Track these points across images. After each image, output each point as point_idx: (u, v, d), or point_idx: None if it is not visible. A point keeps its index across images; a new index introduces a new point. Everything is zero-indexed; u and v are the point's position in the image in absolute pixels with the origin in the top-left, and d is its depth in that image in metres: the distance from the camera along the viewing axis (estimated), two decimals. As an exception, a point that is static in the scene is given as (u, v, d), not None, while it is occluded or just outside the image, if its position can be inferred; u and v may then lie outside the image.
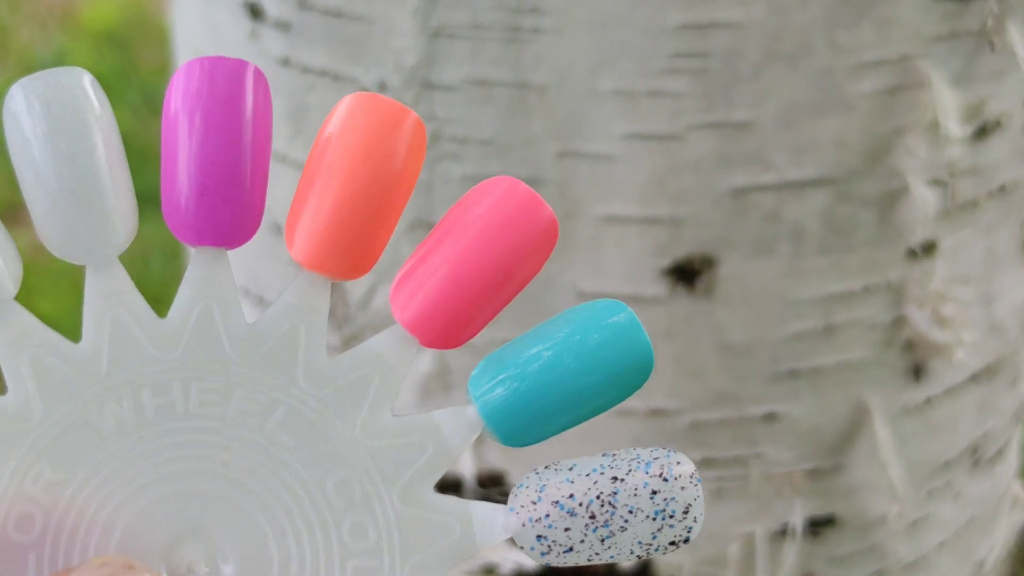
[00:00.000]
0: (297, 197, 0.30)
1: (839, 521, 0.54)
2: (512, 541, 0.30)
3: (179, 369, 0.30)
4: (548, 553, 0.30)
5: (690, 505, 0.30)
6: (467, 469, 0.52)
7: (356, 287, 0.51)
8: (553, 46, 0.46)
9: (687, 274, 0.49)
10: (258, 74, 0.30)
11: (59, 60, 1.85)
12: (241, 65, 0.30)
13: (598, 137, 0.48)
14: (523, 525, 0.30)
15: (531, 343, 0.30)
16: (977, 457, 0.58)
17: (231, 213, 0.30)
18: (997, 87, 0.50)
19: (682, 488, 0.29)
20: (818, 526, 0.54)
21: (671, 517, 0.29)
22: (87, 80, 0.29)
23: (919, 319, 0.52)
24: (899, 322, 0.52)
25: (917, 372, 0.53)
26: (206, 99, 0.29)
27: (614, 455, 0.30)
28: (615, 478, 0.29)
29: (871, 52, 0.48)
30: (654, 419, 0.51)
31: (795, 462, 0.52)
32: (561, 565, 0.30)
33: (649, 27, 0.46)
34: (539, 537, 0.30)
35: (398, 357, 0.31)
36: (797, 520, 0.53)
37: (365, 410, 0.30)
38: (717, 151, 0.48)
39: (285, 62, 0.50)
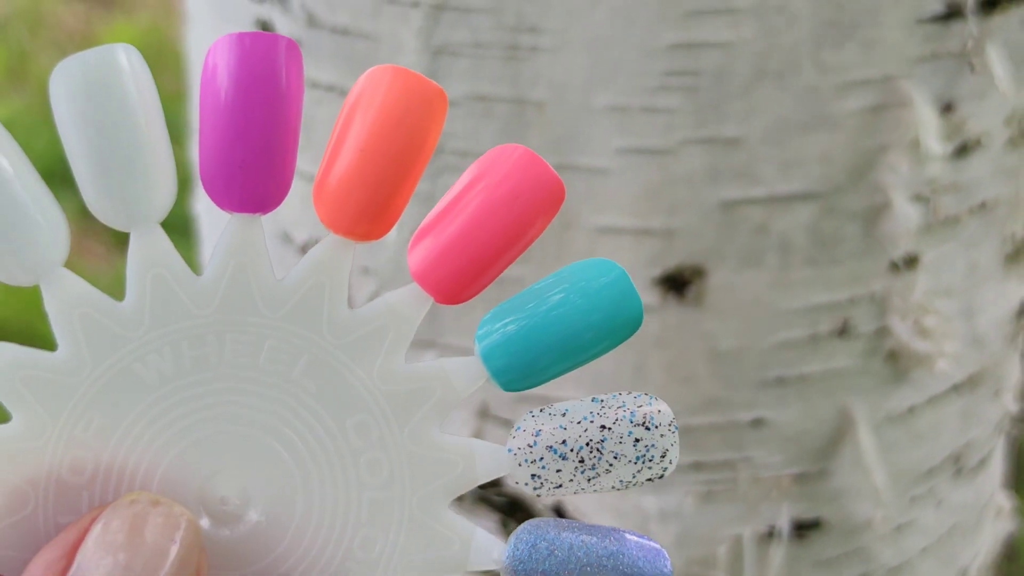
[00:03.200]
0: (326, 162, 0.32)
1: (824, 524, 0.56)
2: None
3: (215, 323, 0.32)
4: (540, 488, 0.33)
5: (667, 450, 0.33)
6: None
7: (362, 291, 0.53)
8: (550, 64, 0.49)
9: (678, 284, 0.51)
10: (292, 48, 0.32)
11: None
12: (277, 40, 0.32)
13: (593, 151, 0.50)
14: (520, 465, 0.33)
15: (529, 296, 0.33)
16: (960, 466, 0.60)
17: (266, 183, 0.32)
18: (977, 107, 0.52)
19: (662, 435, 0.33)
20: (804, 529, 0.55)
21: (650, 461, 0.33)
22: (123, 54, 0.32)
23: (902, 330, 0.54)
24: (882, 332, 0.54)
25: (900, 381, 0.55)
26: (246, 74, 0.31)
27: (602, 401, 0.33)
28: (603, 427, 0.33)
29: (856, 72, 0.50)
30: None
31: (782, 466, 0.54)
32: (550, 497, 0.35)
33: (643, 46, 0.48)
34: (533, 475, 0.33)
35: (410, 310, 0.33)
36: (784, 523, 0.55)
37: (381, 358, 0.33)
38: (708, 165, 0.50)
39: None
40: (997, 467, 0.64)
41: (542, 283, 0.33)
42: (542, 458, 0.33)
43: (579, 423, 0.33)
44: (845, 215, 0.51)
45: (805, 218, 0.51)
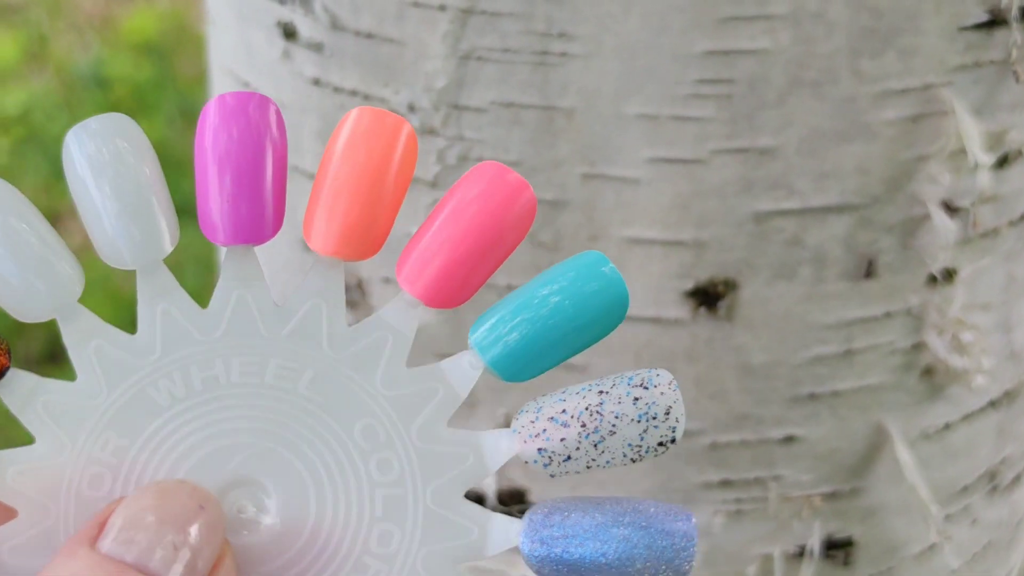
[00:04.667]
0: (312, 198, 0.35)
1: (857, 544, 0.54)
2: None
3: (221, 348, 0.35)
4: (549, 464, 0.34)
5: (670, 407, 0.33)
6: (489, 487, 0.53)
7: (384, 299, 0.52)
8: (581, 71, 0.47)
9: (709, 297, 0.50)
10: (264, 101, 0.36)
11: (97, 70, 1.86)
12: (251, 97, 0.36)
13: (623, 160, 0.48)
14: (524, 442, 0.34)
15: (521, 294, 0.35)
16: (995, 483, 0.58)
17: (251, 217, 0.35)
18: (1019, 117, 0.51)
19: (661, 393, 0.33)
20: (836, 548, 0.54)
21: (654, 419, 0.33)
22: (127, 122, 0.35)
23: (938, 345, 0.52)
24: (918, 348, 0.52)
25: (936, 397, 0.53)
26: (225, 127, 0.35)
27: (601, 378, 0.34)
28: (601, 391, 0.33)
29: (895, 81, 0.48)
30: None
31: (813, 484, 0.53)
32: (563, 473, 0.34)
33: (675, 53, 0.47)
34: (539, 450, 0.33)
35: (402, 318, 0.35)
36: (815, 542, 0.53)
37: (382, 367, 0.35)
38: (741, 176, 0.48)
39: (317, 82, 0.51)
40: (1032, 482, 0.63)
41: (534, 287, 0.35)
42: (545, 430, 0.33)
43: (578, 393, 0.34)
44: (881, 227, 0.50)
45: (840, 230, 0.49)
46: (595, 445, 0.33)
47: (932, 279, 0.51)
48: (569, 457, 0.33)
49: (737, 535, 0.53)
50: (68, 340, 0.35)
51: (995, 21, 0.49)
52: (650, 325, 0.50)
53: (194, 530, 0.31)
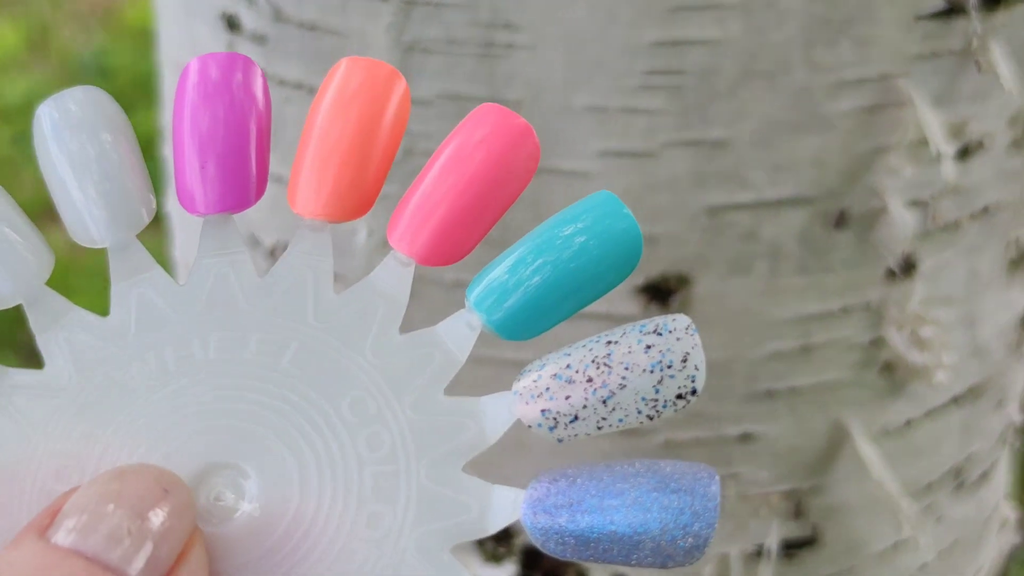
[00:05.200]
0: (298, 159, 0.33)
1: (817, 542, 0.53)
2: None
3: (198, 325, 0.33)
4: (556, 426, 0.30)
5: (688, 353, 0.30)
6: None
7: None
8: (527, 62, 0.46)
9: (662, 293, 0.49)
10: (248, 63, 0.34)
11: (100, 59, 1.86)
12: (234, 58, 0.34)
13: (573, 154, 0.47)
14: (527, 403, 0.31)
15: (537, 236, 0.32)
16: (961, 480, 0.57)
17: (230, 182, 0.33)
18: (980, 107, 0.50)
19: (677, 339, 0.30)
20: (795, 548, 0.53)
21: (669, 367, 0.30)
22: (97, 93, 0.34)
23: (898, 341, 0.51)
24: (878, 343, 0.51)
25: (897, 393, 0.52)
26: (205, 89, 0.33)
27: (613, 328, 0.31)
28: (609, 342, 0.30)
29: (850, 71, 0.47)
30: (627, 438, 0.50)
31: (772, 483, 0.52)
32: (571, 436, 0.30)
33: (624, 44, 0.46)
34: (544, 411, 0.30)
35: (394, 280, 0.33)
36: (773, 541, 0.52)
37: (372, 335, 0.33)
38: (693, 169, 0.47)
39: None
40: (1001, 479, 0.62)
41: (553, 227, 0.32)
42: (548, 388, 0.30)
43: (584, 346, 0.31)
44: (838, 220, 0.49)
45: (796, 224, 0.48)
46: (604, 401, 0.30)
47: (891, 273, 0.50)
48: (576, 417, 0.30)
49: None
50: (35, 325, 0.33)
51: (953, 10, 0.48)
52: (601, 321, 0.49)
53: (157, 517, 0.28)
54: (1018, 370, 0.59)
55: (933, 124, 0.48)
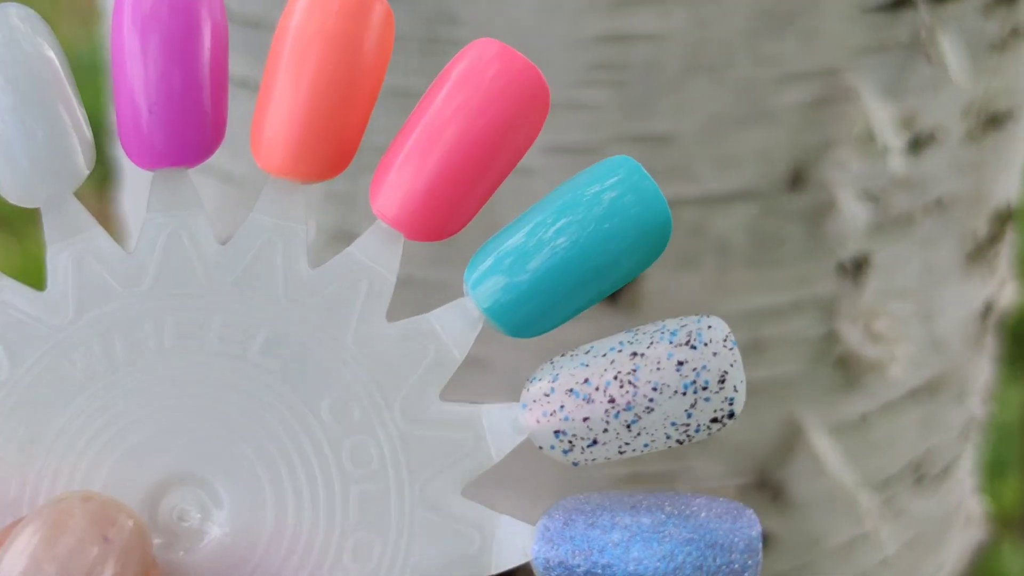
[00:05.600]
0: (259, 104, 0.29)
1: (774, 538, 0.53)
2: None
3: (150, 303, 0.28)
4: (571, 450, 0.27)
5: (725, 372, 0.26)
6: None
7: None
8: (469, 57, 0.46)
9: (609, 287, 0.49)
10: None
11: (99, 54, 1.86)
12: None
13: (518, 149, 0.47)
14: (537, 422, 0.27)
15: (531, 221, 0.28)
16: (920, 474, 0.57)
17: (185, 128, 0.28)
18: (930, 99, 0.50)
19: (714, 354, 0.26)
20: (749, 543, 0.53)
21: (704, 389, 0.26)
22: (15, 14, 0.28)
23: (851, 335, 0.51)
24: (831, 337, 0.51)
25: (851, 387, 0.52)
26: (146, 13, 0.28)
27: (637, 330, 0.27)
28: (635, 354, 0.26)
29: (796, 64, 0.47)
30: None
31: (725, 477, 0.52)
32: (589, 461, 0.27)
33: (567, 38, 0.46)
34: (557, 433, 0.27)
35: (384, 257, 0.29)
36: (727, 537, 0.52)
37: (355, 320, 0.28)
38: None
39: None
40: (965, 473, 0.62)
41: (541, 212, 0.28)
42: (562, 406, 0.26)
43: (605, 355, 0.27)
44: (787, 215, 0.49)
45: (744, 218, 0.48)
46: (628, 426, 0.26)
47: (842, 267, 0.50)
48: (595, 441, 0.27)
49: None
50: None
51: (901, 2, 0.48)
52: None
53: (100, 568, 0.24)
54: (979, 363, 0.59)
55: (880, 117, 0.48)
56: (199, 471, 0.27)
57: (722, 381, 0.26)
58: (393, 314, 0.29)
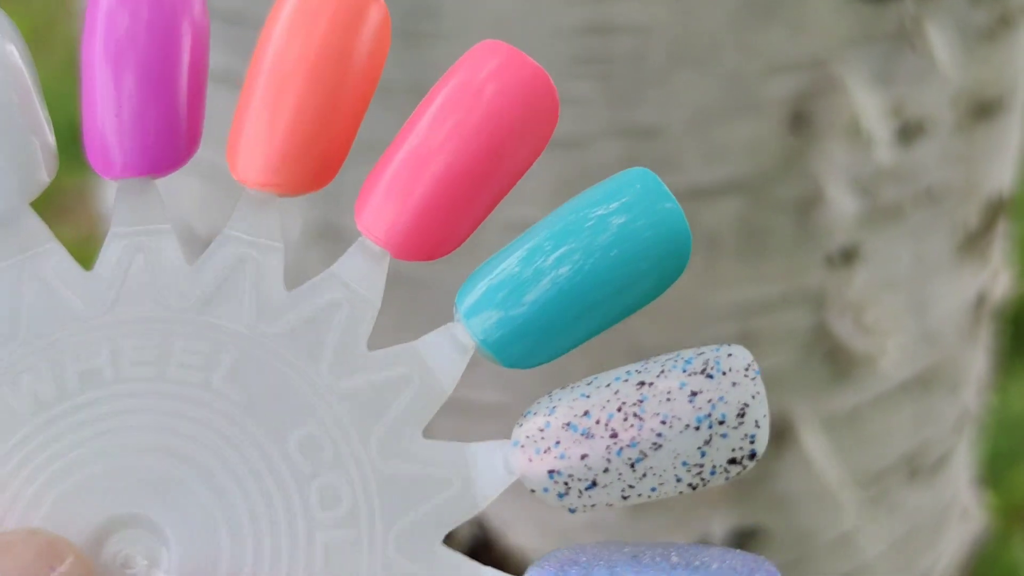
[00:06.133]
0: (240, 108, 0.27)
1: (764, 533, 0.53)
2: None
3: (108, 327, 0.26)
4: (567, 493, 0.24)
5: (746, 405, 0.23)
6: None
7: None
8: (451, 50, 0.46)
9: (596, 281, 0.48)
10: None
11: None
12: None
13: (502, 143, 0.47)
14: (530, 460, 0.24)
15: (527, 246, 0.25)
16: (914, 466, 0.57)
17: (154, 133, 0.26)
18: (918, 89, 0.49)
19: (733, 384, 0.23)
20: (741, 538, 0.53)
21: (721, 424, 0.23)
22: None
23: (840, 327, 0.51)
24: (820, 329, 0.51)
25: (841, 380, 0.52)
26: (120, 10, 0.26)
27: (649, 360, 0.24)
28: (642, 383, 0.23)
29: (783, 55, 0.47)
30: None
31: (715, 472, 0.51)
32: (587, 507, 0.24)
33: (550, 30, 0.45)
34: (552, 473, 0.23)
35: (365, 275, 0.26)
36: (718, 532, 0.52)
37: (332, 347, 0.26)
38: (625, 156, 0.47)
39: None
40: (960, 466, 0.61)
41: (577, 207, 0.25)
42: (558, 442, 0.23)
43: (609, 385, 0.24)
44: (775, 206, 0.48)
45: (732, 210, 0.48)
46: (632, 465, 0.23)
47: (830, 259, 0.50)
48: (595, 483, 0.23)
49: (635, 527, 0.51)
50: None
51: (887, -9, 0.47)
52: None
53: None
54: (973, 355, 0.58)
55: (867, 108, 0.48)
56: (148, 513, 0.25)
57: (741, 415, 0.23)
58: (378, 316, 0.27)
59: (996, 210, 0.55)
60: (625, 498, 0.24)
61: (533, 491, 0.24)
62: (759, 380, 0.23)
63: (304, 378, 0.25)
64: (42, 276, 0.26)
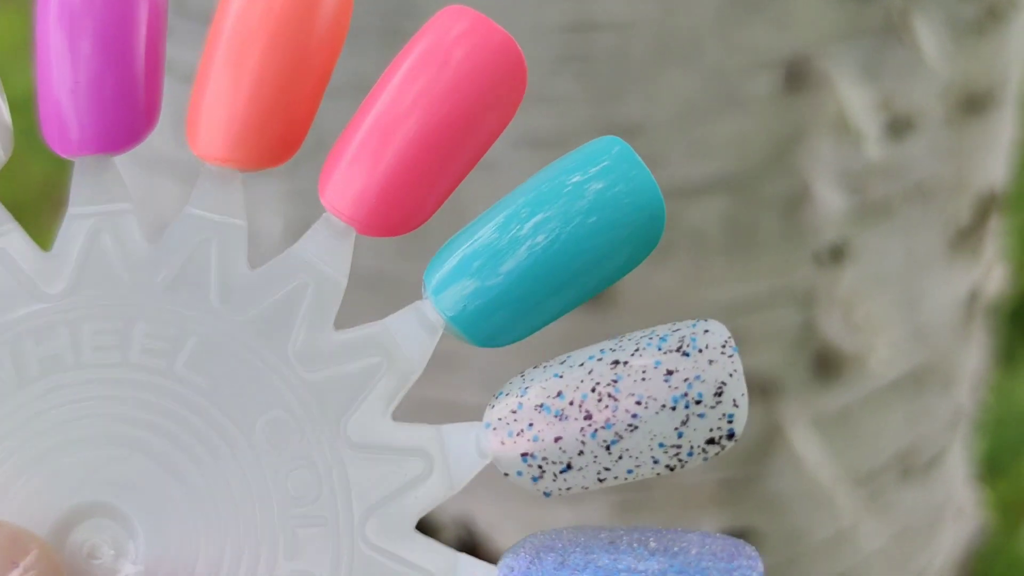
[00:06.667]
0: (197, 86, 0.26)
1: (756, 533, 0.52)
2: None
3: (67, 308, 0.25)
4: (541, 477, 0.23)
5: (723, 384, 0.22)
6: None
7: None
8: (432, 49, 0.45)
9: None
10: None
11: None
12: None
13: (485, 142, 0.46)
14: (502, 443, 0.23)
15: (501, 215, 0.24)
16: (907, 465, 0.56)
17: (112, 109, 0.25)
18: (906, 84, 0.49)
19: (710, 362, 0.22)
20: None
21: (698, 403, 0.22)
22: None
23: (829, 325, 0.50)
24: (809, 327, 0.50)
25: (831, 378, 0.51)
26: None
27: (624, 336, 0.24)
28: (616, 362, 0.23)
29: (767, 51, 0.46)
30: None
31: (704, 472, 0.51)
32: (562, 490, 0.24)
33: (532, 28, 0.45)
34: (525, 456, 0.23)
35: (332, 257, 0.25)
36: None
37: (298, 330, 0.25)
38: (609, 154, 0.46)
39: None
40: (955, 465, 0.61)
41: (553, 173, 0.25)
42: (531, 424, 0.23)
43: (583, 365, 0.23)
44: (762, 203, 0.48)
45: (718, 208, 0.47)
46: (607, 447, 0.22)
47: (818, 256, 0.49)
48: (569, 466, 0.23)
49: (624, 528, 0.51)
50: None
51: (874, -15, 0.47)
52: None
53: None
54: (967, 352, 0.58)
55: (854, 102, 0.47)
56: (113, 502, 0.24)
57: (719, 394, 0.22)
58: (358, 317, 0.26)
59: (988, 205, 0.55)
60: (601, 480, 0.23)
61: (507, 475, 0.24)
62: (737, 357, 0.23)
63: (269, 362, 0.25)
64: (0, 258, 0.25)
